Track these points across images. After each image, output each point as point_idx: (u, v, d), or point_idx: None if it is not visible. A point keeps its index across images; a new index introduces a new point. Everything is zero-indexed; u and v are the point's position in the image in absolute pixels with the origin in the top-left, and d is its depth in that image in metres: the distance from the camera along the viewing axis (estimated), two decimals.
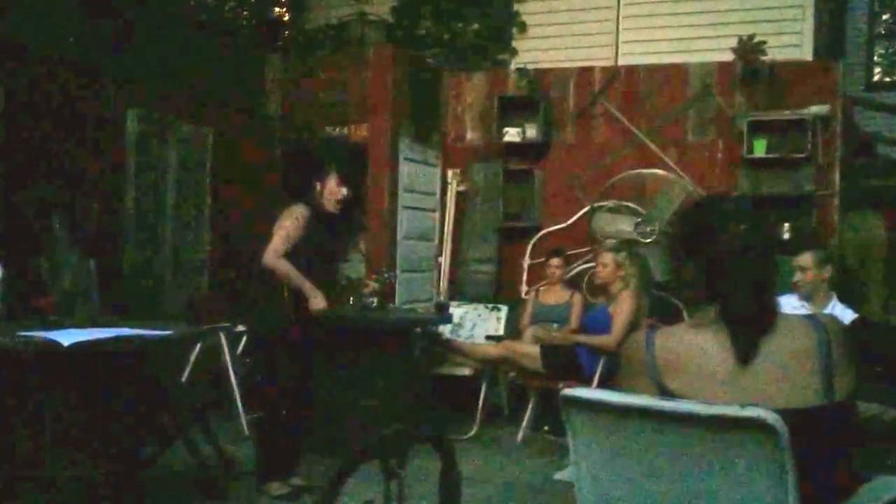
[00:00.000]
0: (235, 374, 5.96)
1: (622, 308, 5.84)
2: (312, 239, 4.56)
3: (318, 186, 4.62)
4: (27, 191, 5.53)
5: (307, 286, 4.54)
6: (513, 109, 7.93)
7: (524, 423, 6.04)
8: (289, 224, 4.52)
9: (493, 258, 7.83)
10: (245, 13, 9.28)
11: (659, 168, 7.40)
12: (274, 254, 4.47)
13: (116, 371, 3.65)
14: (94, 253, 5.03)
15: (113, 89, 6.31)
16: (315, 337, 4.71)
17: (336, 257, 4.66)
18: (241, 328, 6.22)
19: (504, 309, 7.15)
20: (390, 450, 2.43)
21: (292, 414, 4.66)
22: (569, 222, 7.65)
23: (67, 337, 3.29)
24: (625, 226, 7.08)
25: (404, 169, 7.47)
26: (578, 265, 7.38)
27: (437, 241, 7.98)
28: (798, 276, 4.65)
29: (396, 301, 7.13)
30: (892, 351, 4.42)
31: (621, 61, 8.26)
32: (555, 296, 6.69)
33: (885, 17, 12.04)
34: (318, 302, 4.55)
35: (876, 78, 11.74)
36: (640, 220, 7.03)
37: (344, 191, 4.63)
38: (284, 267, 4.49)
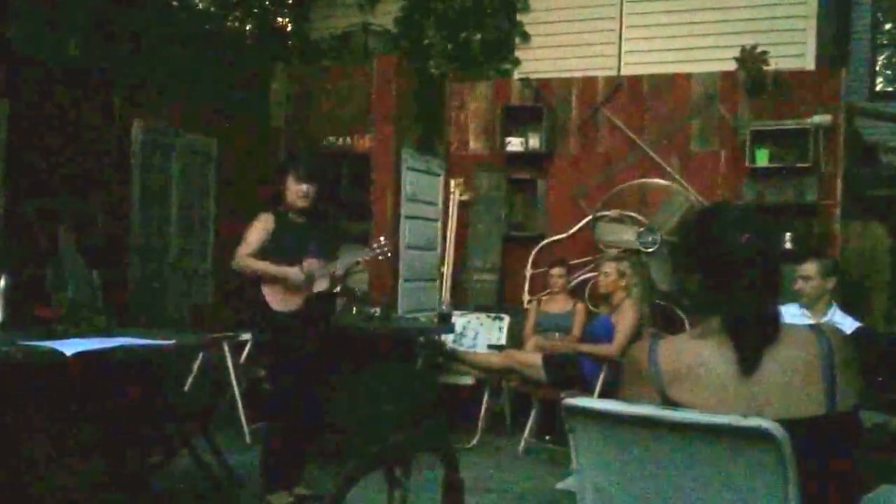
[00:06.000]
0: (238, 382, 5.97)
1: (624, 317, 5.85)
2: (279, 243, 4.58)
3: (282, 187, 4.67)
4: (32, 200, 5.54)
5: (279, 270, 4.54)
6: (516, 119, 7.95)
7: (526, 433, 6.03)
8: (247, 232, 4.61)
9: (496, 267, 7.84)
10: (250, 23, 9.31)
11: (662, 178, 7.42)
12: (236, 259, 4.55)
13: (120, 380, 3.65)
14: (98, 262, 5.03)
15: (118, 99, 6.34)
16: (311, 342, 4.70)
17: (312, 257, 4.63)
18: (244, 337, 6.23)
19: (507, 318, 7.15)
20: (394, 459, 2.43)
21: (295, 422, 4.66)
22: (571, 232, 7.66)
23: (71, 346, 3.29)
24: (627, 235, 7.09)
25: (408, 178, 7.48)
26: (581, 274, 7.39)
27: (440, 251, 7.98)
28: (800, 284, 4.63)
29: (399, 310, 7.14)
30: (895, 360, 4.42)
31: (624, 71, 8.28)
32: (557, 305, 6.69)
33: (887, 26, 12.06)
34: (294, 274, 4.54)
35: (878, 87, 11.76)
36: (642, 229, 7.04)
37: (304, 187, 4.62)
38: (249, 263, 4.54)
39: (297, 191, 4.63)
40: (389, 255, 5.22)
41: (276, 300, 4.58)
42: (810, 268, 4.65)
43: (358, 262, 4.93)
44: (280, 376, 4.66)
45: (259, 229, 4.60)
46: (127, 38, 6.44)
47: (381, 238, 5.14)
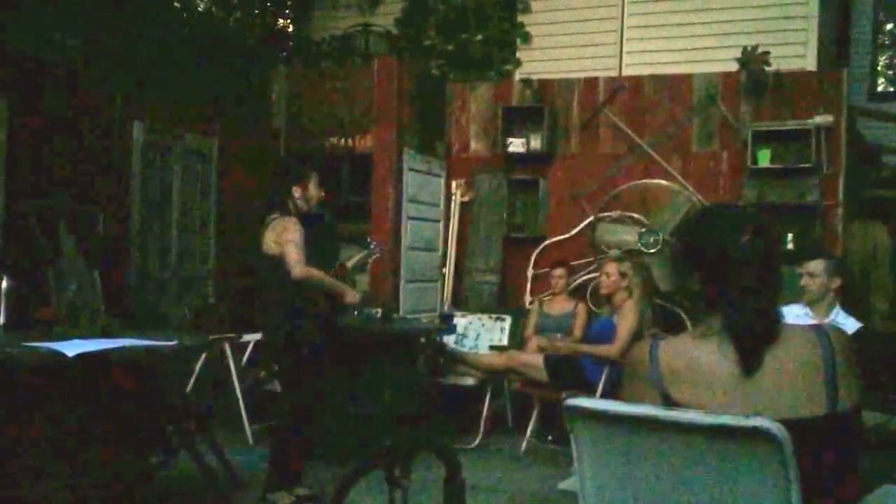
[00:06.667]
0: (240, 383, 5.97)
1: (626, 318, 5.85)
2: (309, 245, 4.61)
3: (298, 192, 4.68)
4: (32, 201, 5.55)
5: (339, 286, 4.72)
6: (517, 120, 7.95)
7: (528, 433, 6.03)
8: (291, 236, 4.57)
9: (498, 268, 7.84)
10: (250, 25, 9.32)
11: (663, 178, 7.41)
12: (299, 266, 4.51)
13: (121, 381, 3.66)
14: (99, 263, 5.04)
15: (119, 100, 6.34)
16: (335, 345, 4.77)
17: (331, 258, 4.75)
18: (246, 338, 6.23)
19: (508, 319, 7.15)
20: (394, 459, 2.43)
21: (308, 423, 4.70)
22: (573, 233, 7.66)
23: (72, 348, 3.29)
24: (629, 236, 7.09)
25: (409, 179, 7.48)
26: (582, 275, 7.38)
27: (441, 252, 7.99)
28: (805, 281, 4.64)
29: (401, 311, 7.14)
30: (895, 360, 4.42)
31: (625, 72, 8.28)
32: (559, 306, 6.68)
33: (888, 26, 12.05)
34: (352, 296, 4.74)
35: (880, 88, 11.74)
36: (643, 230, 7.04)
37: (322, 193, 4.77)
38: (316, 273, 4.59)
39: (317, 194, 4.73)
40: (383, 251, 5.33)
41: (314, 303, 4.64)
42: (817, 265, 4.65)
43: (367, 264, 5.05)
44: (302, 378, 4.67)
45: (300, 234, 4.59)
46: (127, 38, 6.45)
47: (370, 239, 5.21)
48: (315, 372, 4.67)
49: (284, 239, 4.56)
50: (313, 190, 4.69)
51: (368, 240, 5.22)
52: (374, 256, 5.10)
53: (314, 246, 4.66)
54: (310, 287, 4.60)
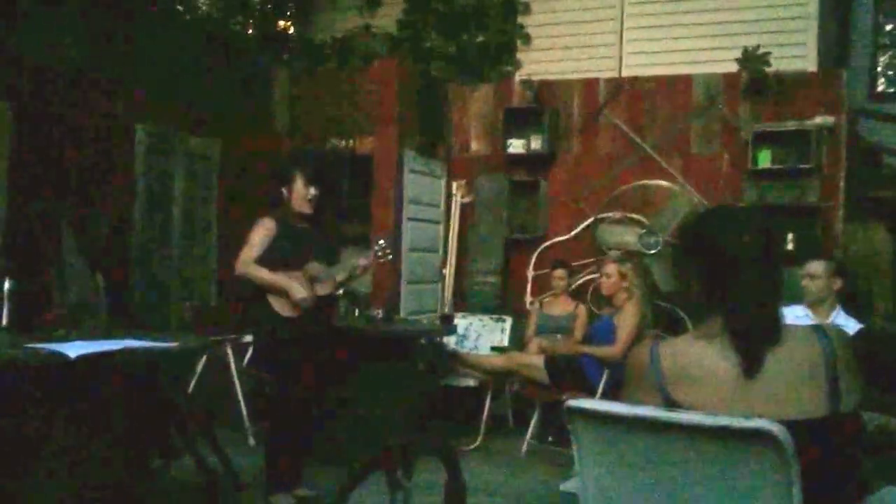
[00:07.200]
0: (241, 385, 5.97)
1: (626, 319, 5.85)
2: (282, 248, 4.58)
3: (286, 193, 4.66)
4: (36, 203, 5.55)
5: (282, 281, 4.52)
6: (518, 121, 7.95)
7: (529, 434, 6.03)
8: (251, 235, 4.58)
9: (498, 269, 7.84)
10: (252, 27, 9.33)
11: (663, 179, 7.41)
12: (242, 263, 4.52)
13: (123, 383, 3.66)
14: (101, 265, 5.04)
15: (121, 103, 6.35)
16: (315, 345, 4.70)
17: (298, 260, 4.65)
18: (247, 339, 6.24)
19: (509, 320, 7.15)
20: (396, 461, 2.44)
21: (298, 425, 4.67)
22: (573, 233, 7.66)
23: (74, 349, 3.29)
24: (629, 237, 7.09)
25: (410, 181, 7.49)
26: (583, 276, 7.39)
27: (441, 253, 7.99)
28: (806, 282, 4.64)
29: (402, 312, 7.14)
30: None
31: (625, 73, 8.28)
32: (559, 307, 6.69)
33: (888, 27, 12.05)
34: (297, 292, 4.52)
35: (880, 88, 11.73)
36: (644, 231, 7.04)
37: (312, 190, 4.66)
38: (255, 271, 4.51)
39: (304, 194, 4.64)
40: (391, 256, 5.19)
41: (281, 305, 4.58)
42: (817, 266, 4.65)
43: (357, 266, 4.93)
44: (284, 379, 4.66)
45: (263, 234, 4.58)
46: (130, 41, 6.46)
47: (381, 241, 5.12)
48: (298, 374, 4.63)
49: (247, 237, 4.58)
50: (301, 189, 4.64)
51: (381, 242, 5.12)
52: (365, 263, 4.97)
53: (291, 249, 4.62)
54: (259, 287, 4.57)
